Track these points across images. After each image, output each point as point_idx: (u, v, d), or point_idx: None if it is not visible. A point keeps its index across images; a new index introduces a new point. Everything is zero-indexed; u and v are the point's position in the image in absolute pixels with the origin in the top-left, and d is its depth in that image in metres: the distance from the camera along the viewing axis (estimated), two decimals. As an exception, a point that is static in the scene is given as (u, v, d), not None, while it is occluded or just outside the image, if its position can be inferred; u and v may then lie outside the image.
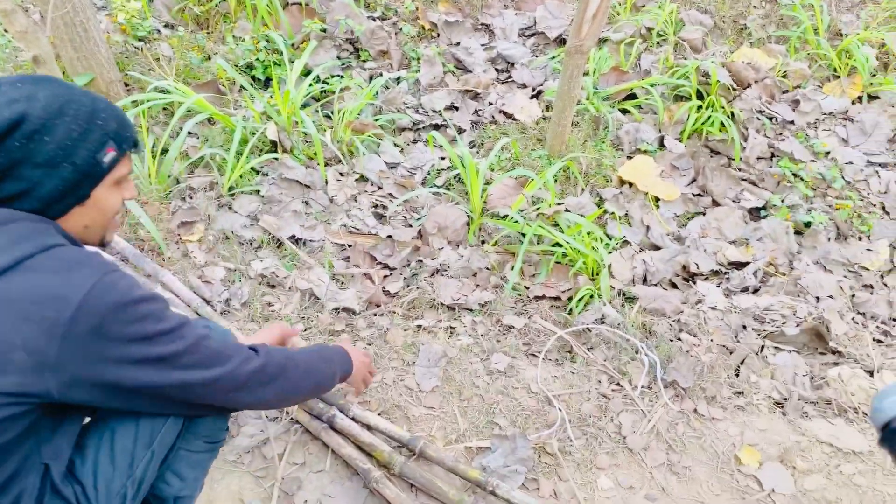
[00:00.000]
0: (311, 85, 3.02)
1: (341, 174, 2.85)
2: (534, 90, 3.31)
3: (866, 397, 2.18)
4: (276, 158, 2.78)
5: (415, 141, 3.12)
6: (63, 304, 0.86)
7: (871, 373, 2.29)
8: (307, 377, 1.26)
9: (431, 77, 3.33)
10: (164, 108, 2.95)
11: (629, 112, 3.20)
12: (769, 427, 2.04)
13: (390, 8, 3.64)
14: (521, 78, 3.38)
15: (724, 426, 2.04)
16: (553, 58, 3.40)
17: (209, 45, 3.32)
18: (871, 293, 2.66)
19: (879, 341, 2.45)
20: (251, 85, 3.01)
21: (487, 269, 2.58)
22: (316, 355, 1.33)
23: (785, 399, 2.15)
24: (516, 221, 2.61)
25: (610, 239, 2.71)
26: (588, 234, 2.59)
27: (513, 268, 2.53)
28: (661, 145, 3.08)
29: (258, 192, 2.69)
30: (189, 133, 2.74)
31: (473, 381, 2.12)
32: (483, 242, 2.69)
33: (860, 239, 2.88)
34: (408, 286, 2.49)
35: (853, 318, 2.52)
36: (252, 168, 2.74)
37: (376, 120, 3.06)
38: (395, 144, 3.03)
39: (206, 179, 2.71)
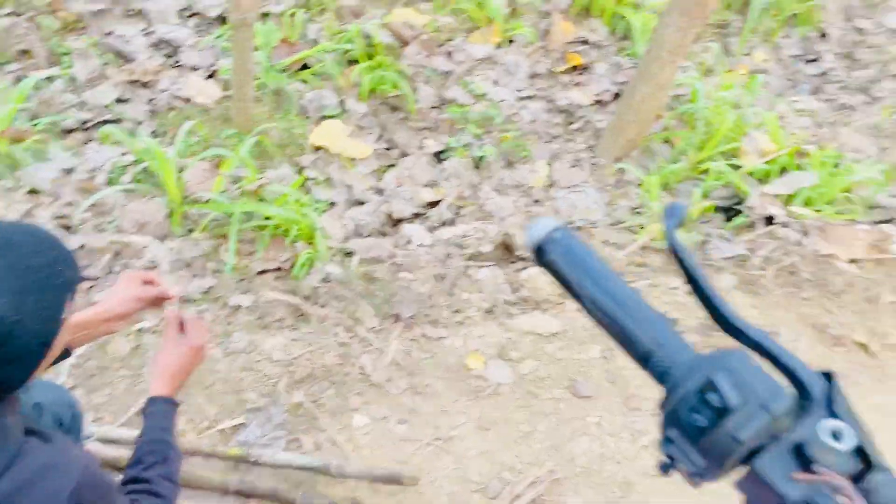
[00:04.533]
0: (-60, 96, 2.60)
1: (6, 190, 2.53)
2: (207, 70, 3.24)
3: (552, 290, 2.60)
4: (-84, 186, 2.36)
5: (87, 141, 2.86)
6: None
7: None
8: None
9: (89, 71, 3.07)
10: None
11: (308, 81, 3.29)
12: (485, 332, 2.35)
13: (22, 2, 3.24)
14: (190, 60, 3.27)
15: (450, 342, 2.30)
16: (219, 36, 3.34)
17: None
18: (541, 205, 3.15)
19: (554, 242, 2.92)
20: None
21: (202, 255, 2.52)
22: (172, 449, 1.22)
23: (493, 306, 2.48)
24: (222, 203, 2.58)
25: (318, 203, 2.81)
26: (296, 201, 2.66)
27: (228, 249, 2.51)
28: (345, 108, 3.25)
29: None
30: None
31: (213, 366, 2.09)
32: (191, 231, 2.61)
33: (524, 163, 3.37)
34: (118, 292, 2.33)
35: (531, 228, 2.97)
36: None
37: (35, 125, 2.75)
38: (66, 148, 2.76)
39: None
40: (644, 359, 0.62)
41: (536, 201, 3.16)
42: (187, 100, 3.08)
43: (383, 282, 2.47)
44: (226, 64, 3.20)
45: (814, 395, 0.56)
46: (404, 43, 3.50)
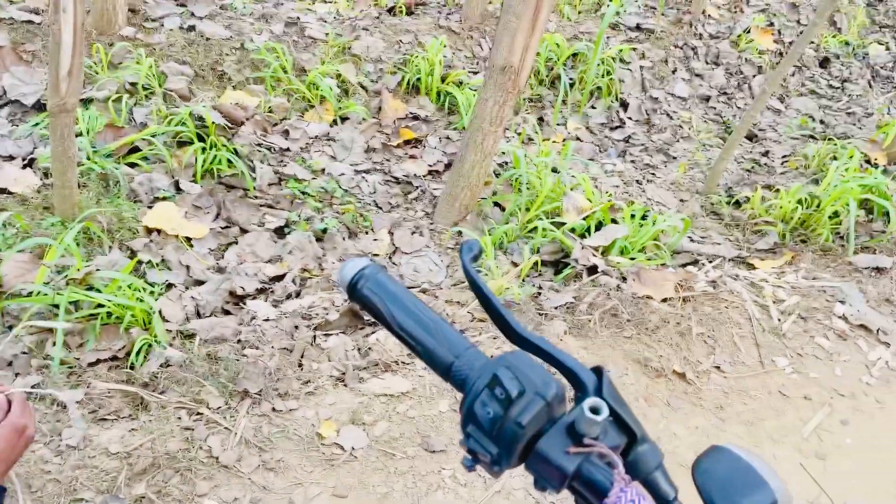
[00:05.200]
0: None
1: None
2: (24, 159, 3.08)
3: (400, 351, 2.67)
4: None
5: None
6: None
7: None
8: None
9: None
10: None
11: (138, 164, 3.22)
12: (337, 399, 2.36)
13: None
14: (4, 150, 3.10)
15: (301, 413, 2.28)
16: (37, 124, 3.20)
17: None
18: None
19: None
20: None
21: (25, 353, 2.35)
22: None
23: (343, 373, 2.50)
24: (45, 294, 2.43)
25: (153, 286, 2.72)
26: (129, 286, 2.56)
27: (55, 343, 2.36)
28: (179, 189, 3.20)
29: None
30: None
31: (41, 468, 1.93)
32: (11, 327, 2.42)
33: (366, 233, 3.47)
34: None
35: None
36: None
37: None
38: None
39: None
40: (446, 371, 0.71)
41: (382, 268, 3.25)
42: (3, 190, 2.91)
43: (228, 360, 2.42)
44: (45, 152, 3.07)
45: (586, 385, 0.67)
46: (238, 123, 3.54)
